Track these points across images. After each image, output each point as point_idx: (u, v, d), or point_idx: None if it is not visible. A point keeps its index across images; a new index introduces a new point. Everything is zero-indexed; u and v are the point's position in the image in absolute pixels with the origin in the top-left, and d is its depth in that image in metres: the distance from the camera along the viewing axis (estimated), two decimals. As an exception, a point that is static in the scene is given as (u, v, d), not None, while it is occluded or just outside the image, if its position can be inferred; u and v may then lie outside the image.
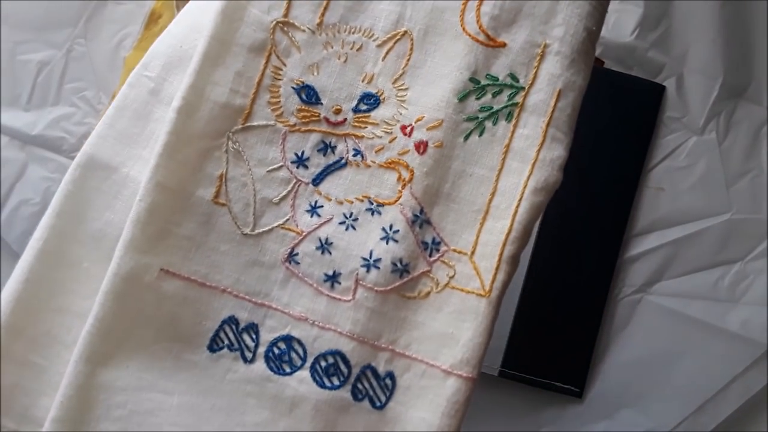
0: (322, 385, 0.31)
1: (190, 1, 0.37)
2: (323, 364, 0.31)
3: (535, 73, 0.32)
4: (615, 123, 0.51)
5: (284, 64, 0.33)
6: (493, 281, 0.31)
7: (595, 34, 0.33)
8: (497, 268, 0.31)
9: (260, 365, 0.31)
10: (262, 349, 0.31)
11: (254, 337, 0.31)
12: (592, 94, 0.50)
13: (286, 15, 0.33)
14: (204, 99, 0.32)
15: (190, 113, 0.32)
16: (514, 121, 0.32)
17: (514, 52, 0.32)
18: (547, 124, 0.31)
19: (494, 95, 0.32)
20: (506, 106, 0.32)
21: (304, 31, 0.33)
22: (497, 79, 0.32)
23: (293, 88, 0.32)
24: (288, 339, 0.31)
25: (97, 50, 0.53)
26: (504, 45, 0.32)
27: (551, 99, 0.32)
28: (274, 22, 0.33)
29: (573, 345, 0.51)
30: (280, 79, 0.33)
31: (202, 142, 0.32)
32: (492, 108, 0.32)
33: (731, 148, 0.52)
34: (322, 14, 0.33)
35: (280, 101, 0.33)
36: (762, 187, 0.52)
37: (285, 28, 0.33)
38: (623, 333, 0.51)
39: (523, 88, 0.32)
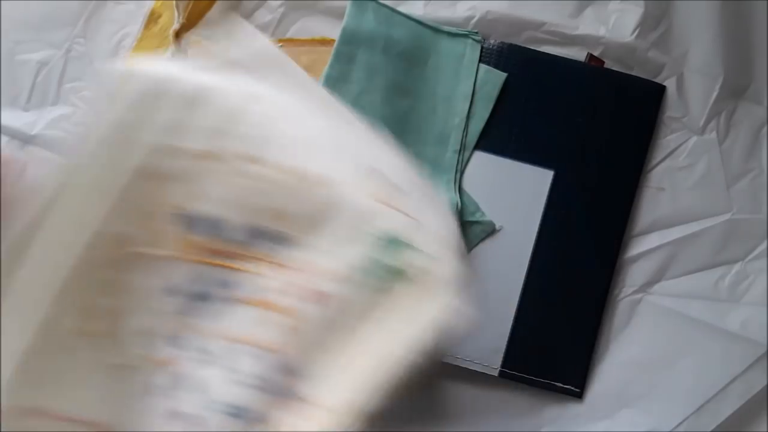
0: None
1: None
2: None
3: None
4: (615, 123, 0.51)
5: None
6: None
7: None
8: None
9: None
10: None
11: None
12: (592, 94, 0.51)
13: None
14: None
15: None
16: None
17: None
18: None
19: (393, 251, 0.30)
20: (404, 268, 0.30)
21: None
22: (396, 237, 0.30)
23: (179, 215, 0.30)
24: None
25: (96, 50, 0.53)
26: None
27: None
28: None
29: (573, 345, 0.51)
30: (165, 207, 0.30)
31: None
32: (388, 265, 0.30)
33: (731, 148, 0.52)
34: None
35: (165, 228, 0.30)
36: (762, 187, 0.52)
37: None
38: (623, 333, 0.51)
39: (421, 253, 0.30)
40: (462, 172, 0.50)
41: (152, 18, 0.51)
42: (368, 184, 0.30)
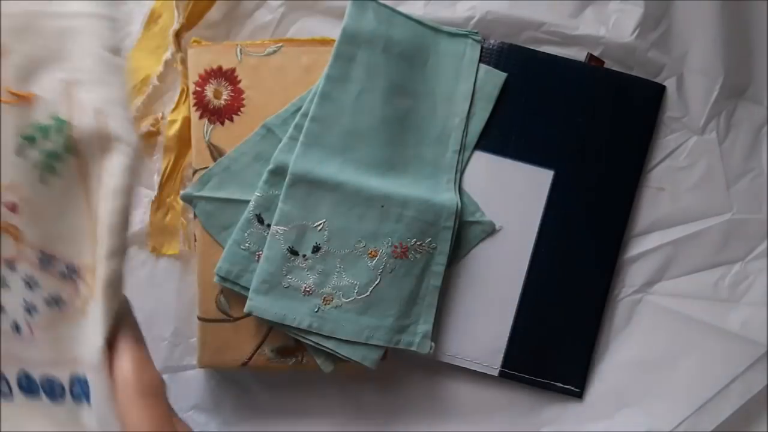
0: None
1: None
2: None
3: (72, 106, 0.34)
4: (615, 123, 0.51)
5: None
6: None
7: (116, 49, 0.35)
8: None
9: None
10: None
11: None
12: (592, 94, 0.51)
13: None
14: None
15: None
16: (75, 153, 0.34)
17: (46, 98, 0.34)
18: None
19: (45, 137, 0.33)
20: (63, 143, 0.34)
21: None
22: (41, 125, 0.33)
23: None
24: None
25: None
26: (33, 95, 0.34)
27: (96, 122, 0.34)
28: None
29: (573, 345, 0.51)
30: None
31: None
32: (49, 150, 0.34)
33: (731, 148, 0.52)
34: None
35: None
36: (762, 187, 0.52)
37: None
38: (623, 333, 0.51)
39: (66, 122, 0.34)
40: (462, 172, 0.50)
41: (152, 18, 0.51)
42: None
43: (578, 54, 0.52)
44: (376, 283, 0.47)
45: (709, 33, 0.51)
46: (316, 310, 0.46)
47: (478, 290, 0.50)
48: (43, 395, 0.33)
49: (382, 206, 0.47)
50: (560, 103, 0.51)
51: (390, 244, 0.47)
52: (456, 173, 0.49)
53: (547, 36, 0.51)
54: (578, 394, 0.51)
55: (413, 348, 0.47)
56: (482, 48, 0.51)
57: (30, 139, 0.34)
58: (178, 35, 0.50)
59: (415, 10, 0.51)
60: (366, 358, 0.47)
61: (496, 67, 0.51)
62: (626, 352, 0.51)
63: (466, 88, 0.50)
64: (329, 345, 0.47)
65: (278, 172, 0.47)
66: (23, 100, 0.34)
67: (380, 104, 0.48)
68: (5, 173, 0.33)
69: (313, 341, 0.47)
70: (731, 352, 0.50)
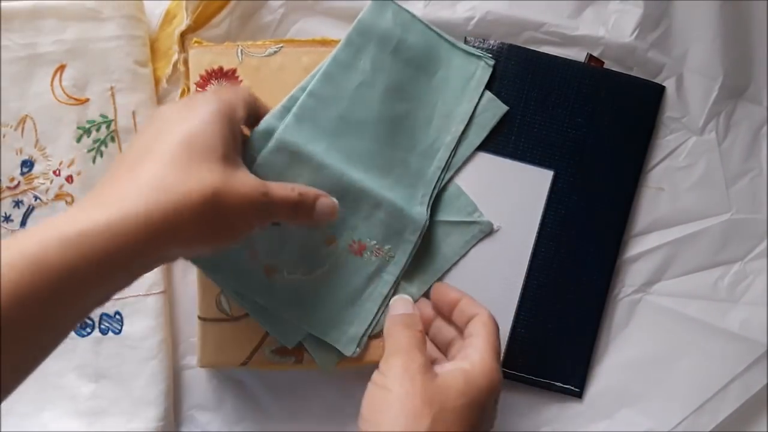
0: (81, 335, 0.49)
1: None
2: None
3: (114, 107, 0.49)
4: (615, 123, 0.51)
5: None
6: None
7: (143, 61, 0.50)
8: None
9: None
10: None
11: None
12: (592, 94, 0.51)
13: None
14: None
15: None
16: (117, 141, 0.49)
17: (95, 101, 0.49)
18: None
19: (97, 130, 0.49)
20: (108, 134, 0.49)
21: None
22: (94, 121, 0.49)
23: None
24: None
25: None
26: (87, 99, 0.49)
27: (131, 119, 0.50)
28: None
29: (573, 345, 0.51)
30: None
31: None
32: (100, 139, 0.49)
33: (731, 148, 0.52)
34: None
35: None
36: (762, 187, 0.52)
37: None
38: (623, 333, 0.51)
39: (112, 120, 0.49)
40: (437, 193, 0.49)
41: (167, 19, 0.51)
42: None
43: (578, 54, 0.52)
44: (324, 269, 0.47)
45: (708, 33, 0.51)
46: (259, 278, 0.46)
47: (478, 290, 0.50)
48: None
49: (355, 200, 0.46)
50: (560, 103, 0.51)
51: (350, 237, 0.47)
52: (433, 190, 0.49)
53: (547, 36, 0.51)
54: (578, 394, 0.51)
55: (338, 346, 0.47)
56: (493, 71, 0.50)
57: (85, 131, 0.49)
58: (183, 36, 0.50)
59: (415, 10, 0.51)
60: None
61: (496, 67, 0.51)
62: (626, 352, 0.51)
63: (466, 110, 0.50)
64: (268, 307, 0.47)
65: (264, 137, 0.44)
66: (80, 102, 0.49)
67: (378, 101, 0.48)
68: (67, 155, 0.49)
69: (248, 305, 0.47)
70: (730, 352, 0.50)
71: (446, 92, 0.50)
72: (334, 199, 0.43)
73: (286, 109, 0.45)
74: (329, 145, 0.46)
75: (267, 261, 0.46)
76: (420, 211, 0.48)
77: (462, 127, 0.49)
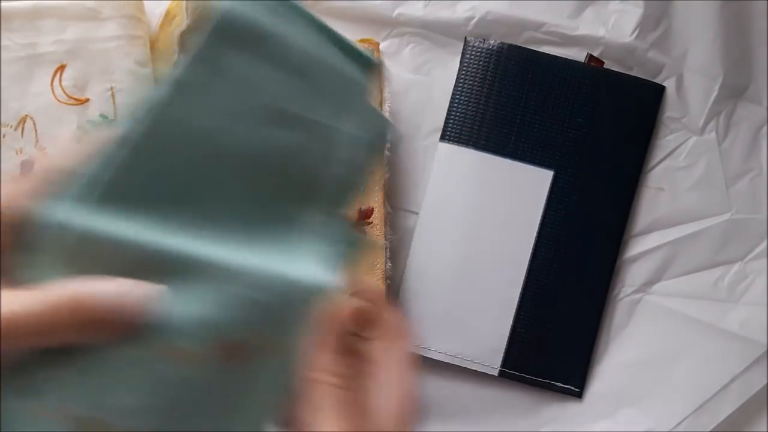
0: None
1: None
2: None
3: (114, 108, 0.49)
4: (615, 123, 0.51)
5: None
6: None
7: (143, 61, 0.50)
8: None
9: None
10: None
11: None
12: (592, 94, 0.51)
13: None
14: None
15: None
16: None
17: (95, 101, 0.49)
18: None
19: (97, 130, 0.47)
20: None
21: None
22: (94, 121, 0.48)
23: None
24: None
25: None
26: (87, 99, 0.49)
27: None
28: None
29: (573, 345, 0.51)
30: None
31: None
32: None
33: (731, 148, 0.52)
34: None
35: None
36: (762, 187, 0.52)
37: None
38: (623, 333, 0.51)
39: (112, 120, 0.48)
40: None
41: (167, 19, 0.51)
42: None
43: (578, 54, 0.52)
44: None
45: (708, 33, 0.51)
46: None
47: (478, 290, 0.50)
48: None
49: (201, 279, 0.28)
50: (560, 103, 0.51)
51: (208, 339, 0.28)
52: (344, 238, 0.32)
53: (547, 36, 0.51)
54: (578, 394, 0.51)
55: None
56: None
57: (85, 131, 0.48)
58: (183, 37, 0.50)
59: (415, 10, 0.51)
60: None
61: (496, 66, 0.51)
62: (626, 351, 0.51)
63: (354, 125, 0.33)
64: None
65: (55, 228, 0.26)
66: (80, 102, 0.49)
67: (247, 134, 0.30)
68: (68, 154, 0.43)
69: None
70: (730, 352, 0.50)
71: (333, 105, 0.33)
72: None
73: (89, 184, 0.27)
74: (153, 214, 0.28)
75: (84, 413, 0.26)
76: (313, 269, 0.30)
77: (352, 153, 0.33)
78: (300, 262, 0.30)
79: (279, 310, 0.29)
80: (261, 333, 0.29)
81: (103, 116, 0.49)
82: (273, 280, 0.29)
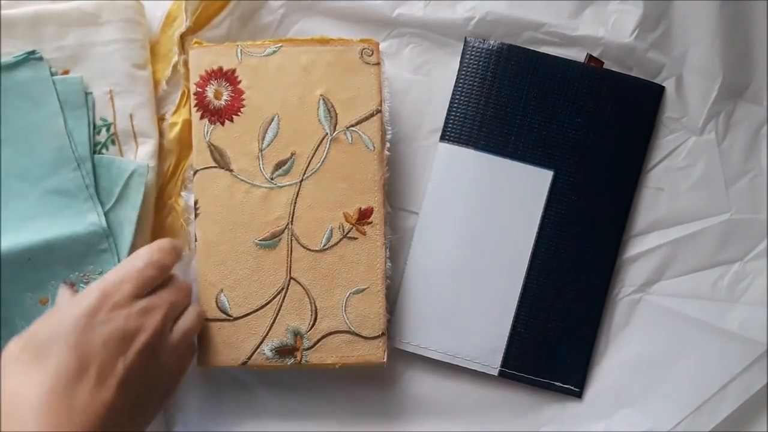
0: None
1: None
2: None
3: (113, 110, 0.49)
4: (615, 123, 0.51)
5: None
6: None
7: (141, 63, 0.50)
8: None
9: None
10: None
11: None
12: (592, 94, 0.51)
13: None
14: None
15: None
16: (117, 144, 0.49)
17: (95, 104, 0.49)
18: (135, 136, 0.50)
19: (98, 134, 0.49)
20: (109, 137, 0.49)
21: None
22: (94, 124, 0.49)
23: None
24: None
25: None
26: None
27: (129, 122, 0.50)
28: None
29: (572, 345, 0.51)
30: None
31: None
32: (101, 142, 0.49)
33: (730, 149, 0.52)
34: None
35: None
36: (761, 187, 0.52)
37: None
38: (622, 333, 0.51)
39: (111, 123, 0.49)
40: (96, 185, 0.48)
41: (168, 21, 0.51)
42: None
43: (578, 54, 0.52)
44: None
45: (708, 33, 0.51)
46: None
47: (477, 290, 0.50)
48: None
49: (29, 259, 0.46)
50: (560, 103, 0.51)
51: (56, 285, 0.47)
52: (89, 188, 0.48)
53: (547, 36, 0.52)
54: (578, 394, 0.51)
55: None
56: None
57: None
58: (183, 38, 0.50)
59: (415, 10, 0.51)
60: None
61: (496, 67, 0.51)
62: (626, 351, 0.51)
63: (52, 108, 0.48)
64: None
65: None
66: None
67: None
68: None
69: None
70: (730, 352, 0.50)
71: (20, 113, 0.48)
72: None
73: None
74: None
75: None
76: (92, 220, 0.47)
77: (61, 121, 0.48)
78: (78, 220, 0.47)
79: (87, 254, 0.47)
80: (84, 271, 0.47)
81: (103, 119, 0.49)
82: (72, 239, 0.47)
